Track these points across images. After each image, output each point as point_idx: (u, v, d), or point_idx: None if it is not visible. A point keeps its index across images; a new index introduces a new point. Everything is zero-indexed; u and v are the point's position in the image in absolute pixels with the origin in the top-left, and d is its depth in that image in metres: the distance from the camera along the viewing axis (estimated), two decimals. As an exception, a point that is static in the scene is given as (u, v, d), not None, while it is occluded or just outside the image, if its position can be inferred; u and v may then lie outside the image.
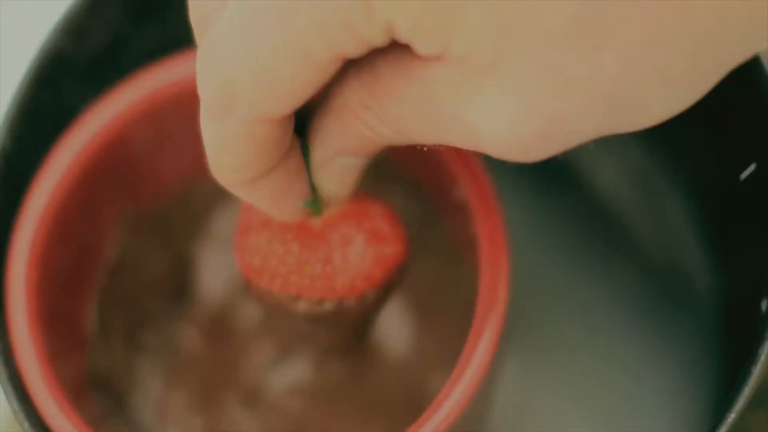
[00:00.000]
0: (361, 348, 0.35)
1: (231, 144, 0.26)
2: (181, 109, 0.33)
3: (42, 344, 0.32)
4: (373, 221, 0.30)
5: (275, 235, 0.30)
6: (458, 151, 0.33)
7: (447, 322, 0.36)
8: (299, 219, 0.29)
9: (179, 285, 0.38)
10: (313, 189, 0.28)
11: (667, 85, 0.24)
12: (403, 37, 0.24)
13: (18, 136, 0.36)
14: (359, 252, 0.30)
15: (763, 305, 0.33)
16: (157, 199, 0.37)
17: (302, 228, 0.30)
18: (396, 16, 0.23)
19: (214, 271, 0.38)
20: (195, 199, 0.38)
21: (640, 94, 0.24)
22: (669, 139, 0.40)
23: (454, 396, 0.30)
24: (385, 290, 0.31)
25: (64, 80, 0.37)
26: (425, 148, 0.28)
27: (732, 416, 0.30)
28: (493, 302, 0.31)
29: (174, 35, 0.35)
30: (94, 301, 0.36)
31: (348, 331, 0.33)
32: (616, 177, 0.32)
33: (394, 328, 0.37)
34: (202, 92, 0.25)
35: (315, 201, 0.29)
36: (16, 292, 0.32)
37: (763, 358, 0.31)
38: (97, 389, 0.36)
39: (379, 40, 0.24)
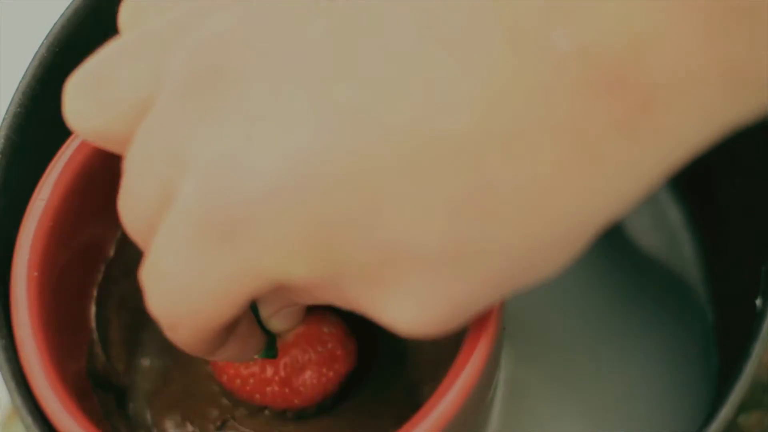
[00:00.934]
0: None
1: (184, 342, 0.29)
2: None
3: (44, 342, 0.32)
4: (326, 344, 0.34)
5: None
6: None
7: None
8: None
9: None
10: (267, 332, 0.32)
11: (551, 261, 0.25)
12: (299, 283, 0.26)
13: (20, 136, 0.36)
14: (314, 375, 0.34)
15: (758, 303, 0.33)
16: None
17: None
18: (288, 277, 0.26)
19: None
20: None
21: (528, 276, 0.26)
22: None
23: (449, 396, 0.30)
24: (341, 390, 0.35)
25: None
26: None
27: (725, 411, 0.30)
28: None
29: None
30: (95, 300, 0.36)
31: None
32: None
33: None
34: (150, 310, 0.28)
35: (270, 349, 0.32)
36: (19, 291, 0.32)
37: (756, 354, 0.31)
38: (97, 388, 0.36)
39: (282, 284, 0.26)
